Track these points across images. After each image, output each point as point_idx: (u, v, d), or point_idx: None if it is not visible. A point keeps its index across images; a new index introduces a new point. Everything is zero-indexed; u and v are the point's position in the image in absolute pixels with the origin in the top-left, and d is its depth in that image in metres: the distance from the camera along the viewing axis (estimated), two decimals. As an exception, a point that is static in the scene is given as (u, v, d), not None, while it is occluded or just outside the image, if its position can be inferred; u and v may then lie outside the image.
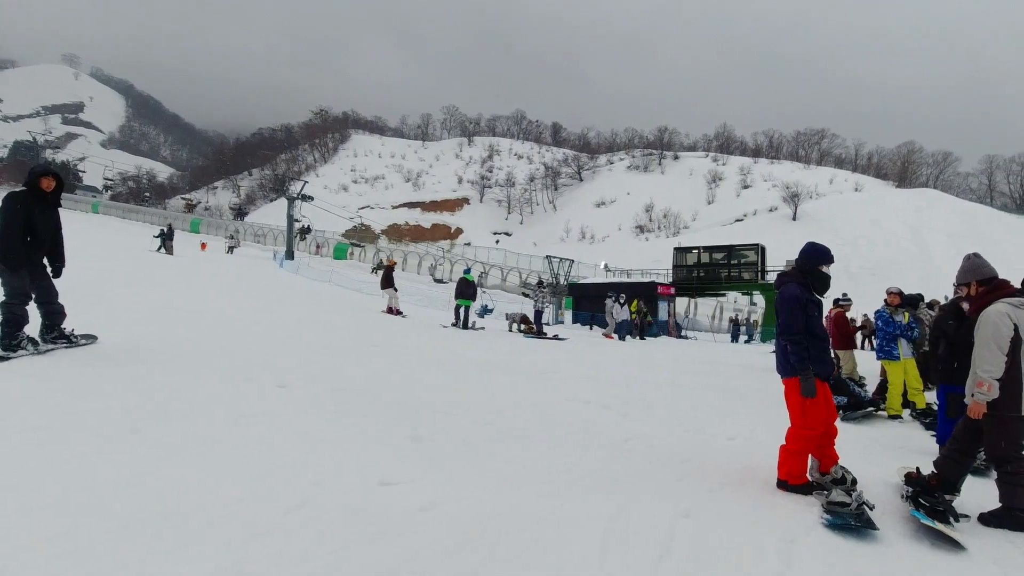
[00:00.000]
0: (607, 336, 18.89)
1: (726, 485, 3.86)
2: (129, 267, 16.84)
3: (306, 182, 52.23)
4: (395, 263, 16.88)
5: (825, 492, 3.67)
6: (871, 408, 6.89)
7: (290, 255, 43.98)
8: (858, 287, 44.39)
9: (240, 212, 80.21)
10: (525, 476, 3.64)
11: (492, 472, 3.65)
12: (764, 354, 17.46)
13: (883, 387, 7.71)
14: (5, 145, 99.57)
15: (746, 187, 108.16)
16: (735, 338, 27.84)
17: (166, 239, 23.52)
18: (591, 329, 23.26)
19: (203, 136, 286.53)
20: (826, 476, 3.94)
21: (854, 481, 3.94)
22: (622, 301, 17.78)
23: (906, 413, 7.03)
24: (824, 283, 3.91)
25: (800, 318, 3.78)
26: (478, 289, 16.28)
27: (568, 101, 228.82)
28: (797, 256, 4.03)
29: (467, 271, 15.75)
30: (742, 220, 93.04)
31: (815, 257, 3.94)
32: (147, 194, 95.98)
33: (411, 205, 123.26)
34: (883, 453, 5.43)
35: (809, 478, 3.90)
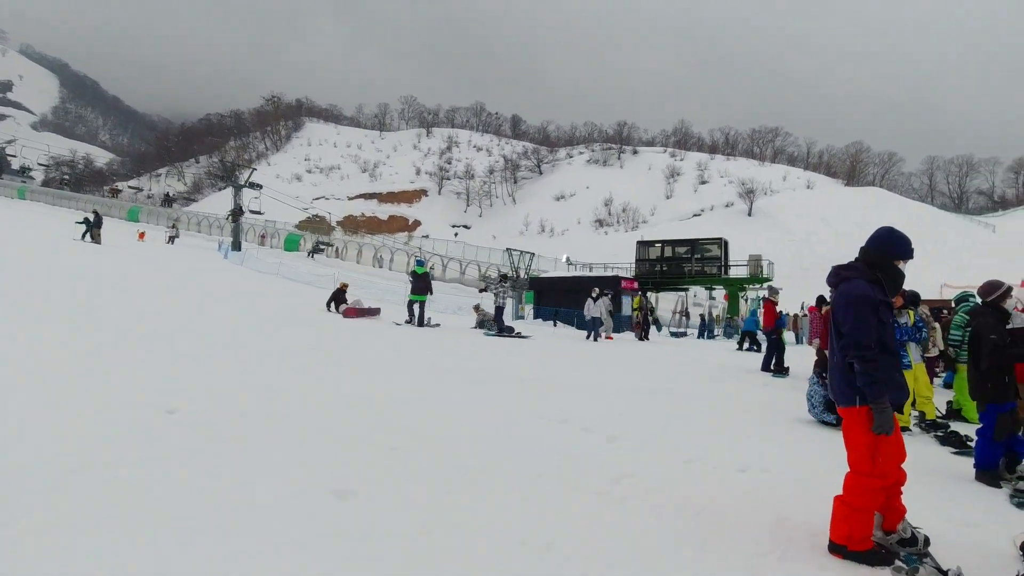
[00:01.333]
0: (608, 337, 17.58)
1: (761, 554, 2.85)
2: (37, 258, 14.94)
3: (254, 169, 49.53)
4: (347, 285, 15.55)
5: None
6: None
7: (237, 246, 41.59)
8: (812, 283, 44.81)
9: (167, 200, 75.44)
10: (488, 559, 2.54)
11: (444, 554, 2.53)
12: (735, 352, 16.90)
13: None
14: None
15: (703, 183, 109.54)
16: (706, 334, 27.33)
17: (92, 227, 21.28)
18: (555, 326, 22.30)
19: (146, 120, 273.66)
20: (891, 536, 2.98)
21: (927, 541, 2.99)
22: (595, 295, 15.93)
23: (911, 421, 6.27)
24: (898, 283, 2.91)
25: (872, 326, 2.77)
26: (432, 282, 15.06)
27: (528, 94, 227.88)
28: (866, 243, 3.00)
29: (420, 263, 14.51)
30: (700, 215, 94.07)
31: (892, 248, 2.92)
32: (66, 177, 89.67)
33: (368, 196, 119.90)
34: (912, 480, 4.58)
35: (873, 541, 2.92)
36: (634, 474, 3.90)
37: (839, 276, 2.96)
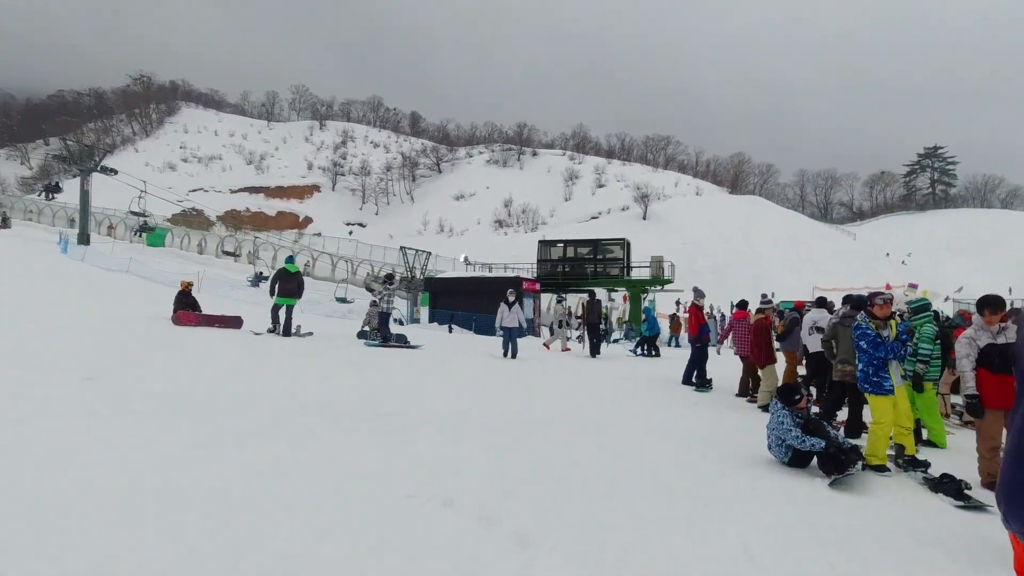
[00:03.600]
0: (545, 346, 15.53)
1: None
2: None
3: (107, 152, 43.19)
4: (191, 284, 12.58)
5: None
6: (858, 463, 4.74)
7: (84, 238, 35.76)
8: (702, 285, 46.01)
9: (51, 189, 64.69)
10: None
11: None
12: (638, 356, 15.92)
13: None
14: None
15: (601, 186, 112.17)
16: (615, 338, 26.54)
17: None
18: (450, 331, 20.39)
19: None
20: None
21: None
22: (511, 300, 12.50)
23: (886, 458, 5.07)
24: None
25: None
26: (304, 283, 12.61)
27: (427, 91, 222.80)
28: None
29: (289, 259, 12.03)
30: (597, 217, 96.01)
31: None
32: None
33: (253, 190, 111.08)
34: (937, 558, 3.21)
35: None
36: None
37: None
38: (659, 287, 29.16)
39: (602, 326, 16.32)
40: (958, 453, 5.97)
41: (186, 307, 11.77)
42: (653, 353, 17.24)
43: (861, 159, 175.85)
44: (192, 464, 3.46)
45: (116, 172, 38.90)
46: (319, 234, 76.54)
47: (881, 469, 4.89)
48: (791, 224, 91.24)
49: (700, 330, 10.42)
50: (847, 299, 6.86)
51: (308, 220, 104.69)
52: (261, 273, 42.33)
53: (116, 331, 9.30)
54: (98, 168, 37.95)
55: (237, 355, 8.35)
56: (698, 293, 10.86)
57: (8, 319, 9.39)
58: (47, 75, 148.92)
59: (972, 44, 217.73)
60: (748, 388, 9.24)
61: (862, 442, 5.59)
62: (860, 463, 4.57)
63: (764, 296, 9.05)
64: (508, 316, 12.26)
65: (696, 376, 9.83)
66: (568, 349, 15.71)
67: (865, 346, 4.94)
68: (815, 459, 4.75)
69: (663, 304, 30.11)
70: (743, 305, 9.41)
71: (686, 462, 4.82)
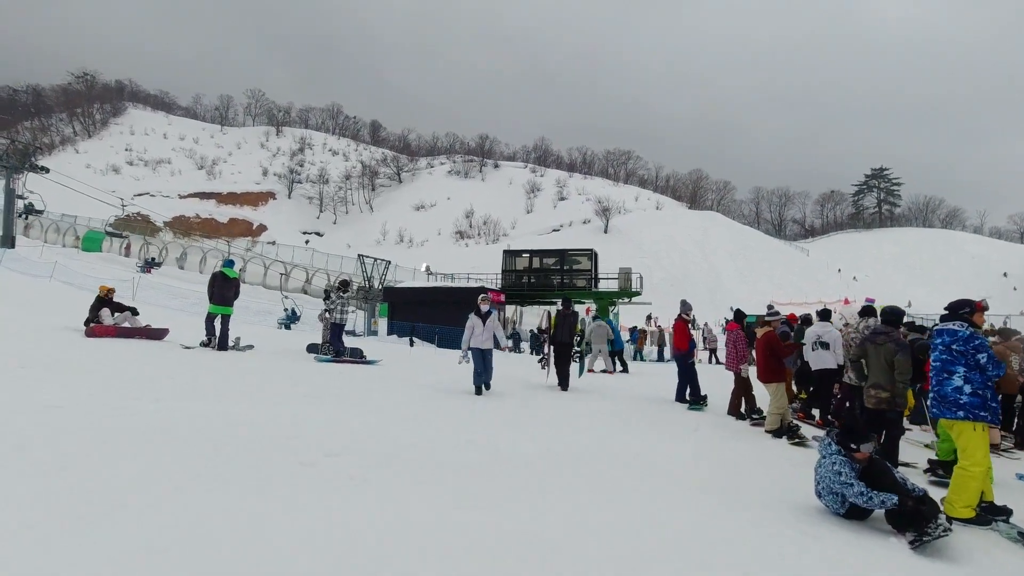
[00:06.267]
0: (544, 366, 10.82)
1: None
2: None
3: (37, 147, 40.28)
4: (111, 290, 10.89)
5: None
6: (941, 518, 3.72)
7: (8, 241, 32.82)
8: (659, 297, 46.17)
9: None
10: None
11: None
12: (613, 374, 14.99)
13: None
14: None
15: (562, 199, 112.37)
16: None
17: None
18: (411, 345, 19.03)
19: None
20: None
21: None
22: (484, 310, 8.92)
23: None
24: None
25: None
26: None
27: (387, 100, 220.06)
28: None
29: (228, 263, 10.59)
30: (559, 230, 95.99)
31: None
32: None
33: (204, 196, 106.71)
34: None
35: None
36: None
37: None
38: (627, 299, 28.52)
39: (576, 349, 11.15)
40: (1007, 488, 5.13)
41: (114, 311, 10.20)
42: (621, 368, 16.36)
43: (813, 178, 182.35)
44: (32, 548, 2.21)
45: (48, 171, 36.06)
46: (273, 242, 73.75)
47: (984, 522, 3.93)
48: (747, 239, 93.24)
49: (688, 345, 9.54)
50: (884, 312, 5.91)
51: (262, 228, 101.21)
52: (153, 259, 39.78)
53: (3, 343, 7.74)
54: (26, 166, 35.09)
55: (149, 373, 6.94)
56: (685, 307, 9.99)
57: None
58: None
59: (915, 66, 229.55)
60: (740, 406, 8.39)
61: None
62: (943, 517, 3.61)
63: (770, 307, 8.24)
64: (482, 332, 8.66)
65: (690, 393, 8.91)
66: (611, 371, 14.48)
67: (985, 362, 4.05)
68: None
69: (627, 317, 29.50)
70: (739, 316, 8.56)
71: (708, 513, 3.79)
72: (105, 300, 10.43)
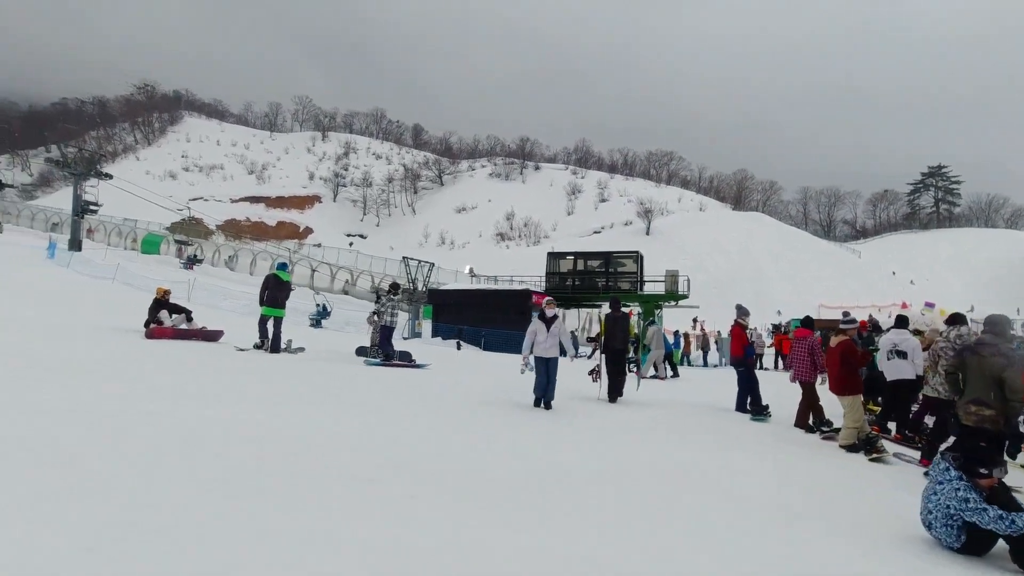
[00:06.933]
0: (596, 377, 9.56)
1: None
2: None
3: (102, 155, 42.08)
4: (168, 292, 11.17)
5: None
6: None
7: (75, 245, 34.48)
8: (702, 300, 44.95)
9: None
10: None
11: None
12: (668, 381, 14.53)
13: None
14: None
15: (603, 201, 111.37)
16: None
17: None
18: (459, 348, 18.95)
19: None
20: None
21: None
22: (550, 315, 7.82)
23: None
24: None
25: None
26: (292, 292, 11.25)
27: (430, 104, 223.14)
28: None
29: (281, 266, 10.71)
30: (600, 232, 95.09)
31: None
32: None
33: (254, 200, 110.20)
34: None
35: None
36: None
37: None
38: (673, 302, 27.82)
39: (630, 354, 10.30)
40: None
41: (171, 312, 10.45)
42: (672, 374, 15.94)
43: (864, 177, 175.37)
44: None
45: (111, 177, 37.79)
46: (319, 244, 75.45)
47: None
48: (793, 241, 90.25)
49: (746, 351, 9.09)
50: (988, 321, 5.35)
51: (308, 230, 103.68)
52: (195, 256, 40.95)
53: (65, 345, 7.95)
54: (92, 174, 36.86)
55: (206, 377, 6.98)
56: (741, 311, 9.52)
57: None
58: (51, 83, 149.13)
59: (973, 59, 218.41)
60: (807, 418, 7.90)
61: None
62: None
63: (846, 313, 7.72)
64: (545, 339, 7.69)
65: (751, 403, 8.47)
66: (662, 377, 14.11)
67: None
68: (998, 542, 3.38)
69: (670, 321, 28.78)
70: (808, 323, 8.08)
71: (802, 543, 3.45)
72: (162, 302, 10.69)
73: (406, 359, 10.77)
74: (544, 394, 7.61)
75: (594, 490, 4.02)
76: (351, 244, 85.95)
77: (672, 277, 27.04)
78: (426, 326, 23.88)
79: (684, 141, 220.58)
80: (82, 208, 35.00)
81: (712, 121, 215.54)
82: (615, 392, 8.98)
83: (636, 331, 10.95)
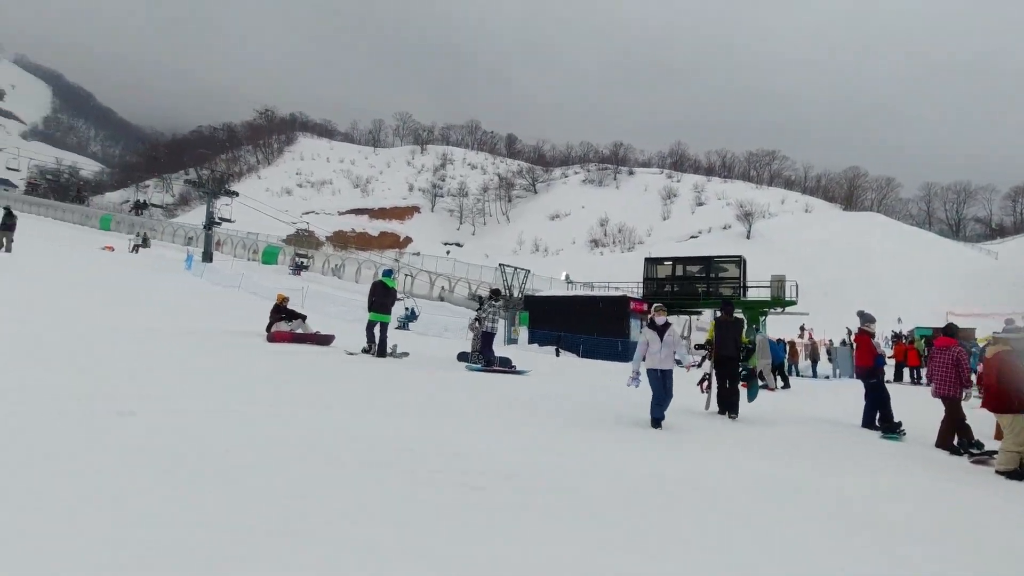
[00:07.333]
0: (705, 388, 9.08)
1: None
2: None
3: (229, 176, 46.40)
4: (286, 298, 12.10)
5: None
6: None
7: (207, 256, 38.19)
8: (809, 307, 41.93)
9: (138, 207, 70.96)
10: None
11: None
12: (780, 393, 13.65)
13: None
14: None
15: (700, 204, 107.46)
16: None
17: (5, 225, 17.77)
18: (558, 355, 18.91)
19: (138, 132, 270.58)
20: None
21: None
22: (660, 323, 7.20)
23: None
24: None
25: None
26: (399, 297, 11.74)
27: (522, 113, 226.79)
28: None
29: (388, 273, 11.19)
30: (697, 237, 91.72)
31: None
32: (44, 184, 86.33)
33: (359, 212, 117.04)
34: None
35: None
36: None
37: None
38: (780, 309, 26.21)
39: (743, 366, 9.17)
40: None
41: (286, 318, 11.24)
42: (783, 384, 15.01)
43: (1000, 171, 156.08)
44: None
45: (237, 194, 41.65)
46: (418, 253, 78.57)
47: None
48: (914, 242, 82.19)
49: (876, 362, 8.32)
50: None
51: (408, 240, 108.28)
52: (301, 263, 43.68)
53: (196, 347, 8.73)
54: (222, 192, 40.83)
55: (321, 380, 7.40)
56: (866, 318, 8.70)
57: (118, 324, 9.16)
58: (189, 114, 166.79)
59: None
60: (952, 439, 7.07)
61: None
62: None
63: (1009, 321, 6.88)
64: (659, 350, 6.94)
65: (880, 419, 7.74)
66: (772, 388, 13.45)
67: None
68: None
69: (774, 328, 27.09)
70: (951, 331, 7.27)
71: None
72: (281, 308, 11.50)
73: (506, 365, 10.87)
74: (662, 412, 6.92)
75: (692, 509, 3.79)
76: (448, 252, 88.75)
77: (778, 282, 25.48)
78: (522, 332, 24.05)
79: (787, 139, 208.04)
80: (211, 221, 38.72)
81: (819, 115, 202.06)
82: (727, 406, 8.23)
83: (749, 339, 10.00)
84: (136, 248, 36.36)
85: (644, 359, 7.10)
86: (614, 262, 78.55)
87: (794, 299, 25.95)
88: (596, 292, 29.32)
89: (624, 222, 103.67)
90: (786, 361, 21.25)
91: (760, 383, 13.55)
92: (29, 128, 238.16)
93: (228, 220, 38.63)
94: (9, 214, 17.95)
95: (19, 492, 2.56)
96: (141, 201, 42.65)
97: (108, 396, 4.63)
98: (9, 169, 76.41)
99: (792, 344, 23.00)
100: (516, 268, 28.13)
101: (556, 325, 21.44)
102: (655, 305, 7.71)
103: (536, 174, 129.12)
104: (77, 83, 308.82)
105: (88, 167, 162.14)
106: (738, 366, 8.67)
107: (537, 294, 27.21)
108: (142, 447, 3.45)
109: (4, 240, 17.35)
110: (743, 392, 8.89)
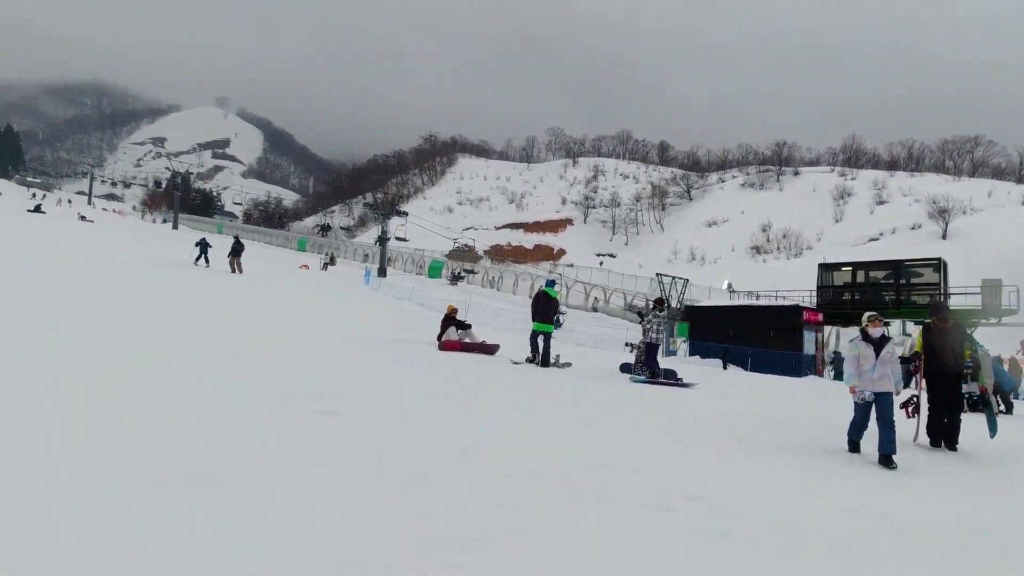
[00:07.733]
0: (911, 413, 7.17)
1: None
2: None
3: (399, 198, 51.14)
4: (456, 309, 13.24)
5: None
6: None
7: (382, 272, 42.42)
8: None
9: (323, 230, 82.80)
10: None
11: None
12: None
13: None
14: (167, 179, 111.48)
15: (881, 203, 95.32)
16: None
17: (232, 253, 21.67)
18: (724, 368, 18.08)
19: (327, 165, 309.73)
20: None
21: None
22: (878, 336, 5.96)
23: None
24: None
25: None
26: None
27: (676, 119, 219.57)
28: None
29: (550, 284, 11.62)
30: (877, 239, 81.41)
31: None
32: (231, 205, 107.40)
33: (514, 226, 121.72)
34: None
35: None
36: None
37: None
38: (995, 320, 22.46)
39: (965, 388, 7.11)
40: None
41: (457, 327, 12.20)
42: (1003, 409, 12.85)
43: None
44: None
45: (407, 215, 45.93)
46: (572, 264, 79.52)
47: None
48: None
49: None
50: None
51: (562, 252, 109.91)
52: (458, 274, 45.82)
53: (383, 356, 9.82)
54: (393, 213, 45.36)
55: (490, 389, 7.99)
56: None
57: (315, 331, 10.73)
58: (366, 145, 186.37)
59: None
60: None
61: None
62: None
63: None
64: (873, 367, 5.85)
65: None
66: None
67: None
68: None
69: (983, 342, 23.00)
70: None
71: None
72: (451, 318, 12.50)
73: (671, 377, 10.73)
74: (857, 436, 5.97)
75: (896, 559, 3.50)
76: (601, 263, 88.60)
77: (993, 288, 21.81)
78: (682, 344, 23.34)
79: (992, 120, 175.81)
80: (383, 238, 43.20)
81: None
82: (944, 436, 6.73)
83: (971, 351, 7.15)
84: (325, 266, 41.93)
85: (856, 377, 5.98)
86: (779, 269, 72.61)
87: (1014, 307, 22.08)
88: (762, 301, 27.46)
89: (789, 226, 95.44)
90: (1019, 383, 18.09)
91: (999, 408, 10.71)
92: (247, 168, 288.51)
93: (403, 239, 42.58)
94: (238, 242, 21.91)
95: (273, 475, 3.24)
96: (326, 225, 50.08)
97: (315, 396, 5.55)
98: (235, 204, 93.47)
99: (1010, 360, 19.57)
100: (674, 277, 27.40)
101: (720, 336, 20.49)
102: (869, 314, 6.25)
103: (691, 181, 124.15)
104: (281, 127, 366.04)
105: (289, 197, 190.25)
106: (960, 386, 6.92)
107: (696, 304, 26.20)
108: (351, 446, 4.10)
109: (236, 264, 21.14)
110: (966, 420, 7.02)
